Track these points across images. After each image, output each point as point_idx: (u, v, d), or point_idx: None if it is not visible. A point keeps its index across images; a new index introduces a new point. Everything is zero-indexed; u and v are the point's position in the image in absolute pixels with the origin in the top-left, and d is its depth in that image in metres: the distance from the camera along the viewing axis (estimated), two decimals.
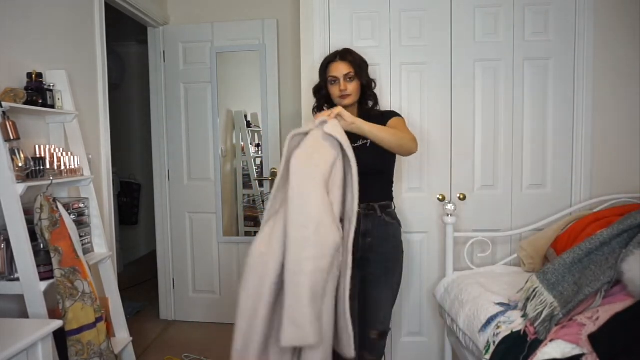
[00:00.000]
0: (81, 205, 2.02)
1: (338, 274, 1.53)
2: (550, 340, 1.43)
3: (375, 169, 1.90)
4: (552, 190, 2.47)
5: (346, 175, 1.61)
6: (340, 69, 1.92)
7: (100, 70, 2.47)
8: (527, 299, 1.66)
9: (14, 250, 1.65)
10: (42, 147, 1.86)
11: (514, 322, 1.66)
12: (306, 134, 1.60)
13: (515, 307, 1.75)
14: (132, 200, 5.10)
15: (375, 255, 1.91)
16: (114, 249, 2.43)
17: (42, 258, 1.73)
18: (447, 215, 2.30)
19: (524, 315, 1.64)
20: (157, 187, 3.41)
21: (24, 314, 1.68)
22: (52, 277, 1.72)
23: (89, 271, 1.84)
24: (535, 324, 1.54)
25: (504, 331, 1.63)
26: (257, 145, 3.67)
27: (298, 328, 1.43)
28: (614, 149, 2.42)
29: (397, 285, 1.99)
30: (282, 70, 3.18)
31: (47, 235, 1.71)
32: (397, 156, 1.98)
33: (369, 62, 2.48)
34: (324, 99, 2.01)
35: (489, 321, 1.74)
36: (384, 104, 2.51)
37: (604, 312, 1.41)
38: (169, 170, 3.37)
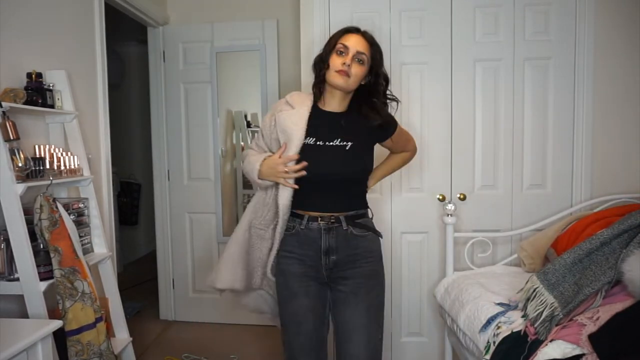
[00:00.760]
0: (81, 205, 2.02)
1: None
2: (551, 341, 1.43)
3: (352, 177, 1.63)
4: (552, 190, 2.47)
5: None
6: (355, 43, 1.57)
7: (100, 70, 2.47)
8: (528, 299, 1.66)
9: (13, 250, 1.64)
10: (41, 147, 1.85)
11: (514, 322, 1.66)
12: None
13: (515, 307, 1.75)
14: (132, 200, 5.10)
15: (342, 272, 1.62)
16: (113, 249, 2.43)
17: (42, 258, 1.72)
18: (447, 215, 2.30)
19: (524, 316, 1.64)
20: (157, 187, 3.41)
21: (24, 314, 1.68)
22: (52, 277, 1.72)
23: (88, 271, 1.84)
24: (536, 324, 1.54)
25: (504, 331, 1.63)
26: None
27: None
28: (614, 149, 2.42)
29: (376, 308, 1.64)
30: (282, 70, 3.18)
31: (46, 235, 1.71)
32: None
33: None
34: (322, 70, 1.62)
35: (489, 321, 1.74)
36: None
37: (604, 312, 1.41)
38: (169, 170, 3.37)
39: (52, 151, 1.90)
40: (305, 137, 1.57)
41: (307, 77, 2.47)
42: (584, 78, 2.40)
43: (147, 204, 4.87)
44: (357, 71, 1.58)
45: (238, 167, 3.57)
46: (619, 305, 1.42)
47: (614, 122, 2.42)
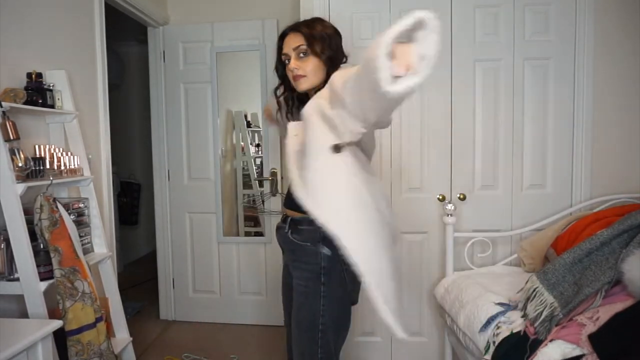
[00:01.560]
0: (81, 205, 2.02)
1: None
2: (550, 341, 1.43)
3: None
4: (552, 190, 2.47)
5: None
6: (290, 43, 1.47)
7: (100, 70, 2.47)
8: (527, 299, 1.66)
9: (13, 250, 1.64)
10: (42, 147, 1.85)
11: (514, 322, 1.66)
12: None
13: (515, 307, 1.75)
14: (132, 200, 5.10)
15: (290, 278, 1.54)
16: (114, 249, 2.43)
17: (42, 258, 1.72)
18: (447, 215, 2.30)
19: (524, 316, 1.64)
20: (157, 187, 3.41)
21: (24, 314, 1.68)
22: (52, 277, 1.72)
23: (88, 271, 1.84)
24: (535, 324, 1.54)
25: (504, 331, 1.63)
26: (257, 145, 3.67)
27: None
28: (614, 149, 2.42)
29: (305, 328, 1.45)
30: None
31: (47, 235, 1.71)
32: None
33: None
34: (282, 81, 1.58)
35: (489, 321, 1.74)
36: None
37: (604, 312, 1.41)
38: (169, 170, 3.37)
39: (52, 151, 1.90)
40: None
41: None
42: (584, 78, 2.40)
43: (147, 204, 4.87)
44: (307, 64, 1.44)
45: (238, 167, 3.57)
46: (619, 305, 1.42)
47: (614, 122, 2.42)
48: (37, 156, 1.81)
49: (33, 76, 1.87)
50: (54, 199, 1.79)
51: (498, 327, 1.68)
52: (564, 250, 1.84)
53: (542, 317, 1.54)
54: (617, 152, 2.42)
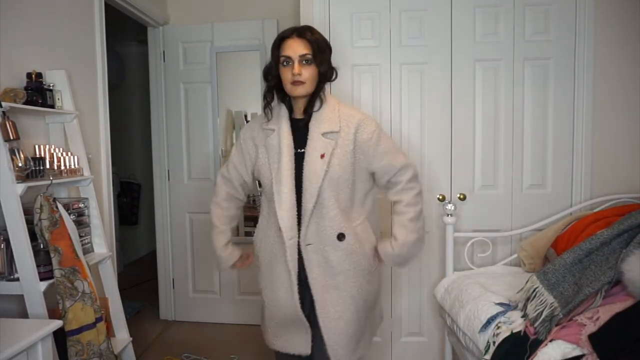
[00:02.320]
0: (81, 205, 2.02)
1: None
2: (551, 341, 1.43)
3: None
4: (552, 190, 2.47)
5: None
6: (296, 48, 1.54)
7: (100, 70, 2.47)
8: (527, 299, 1.66)
9: (13, 250, 1.64)
10: (41, 147, 1.85)
11: (514, 322, 1.66)
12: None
13: (515, 308, 1.75)
14: (132, 200, 5.10)
15: None
16: (114, 249, 2.43)
17: (42, 258, 1.72)
18: (447, 215, 2.30)
19: (524, 316, 1.64)
20: (157, 187, 3.41)
21: (24, 314, 1.68)
22: (52, 277, 1.72)
23: (88, 271, 1.84)
24: (536, 324, 1.54)
25: (504, 331, 1.63)
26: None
27: None
28: (614, 149, 2.42)
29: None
30: None
31: (47, 235, 1.71)
32: None
33: (369, 62, 2.50)
34: (274, 83, 1.62)
35: (489, 321, 1.74)
36: (384, 104, 2.51)
37: (604, 312, 1.41)
38: (169, 170, 3.37)
39: (52, 151, 1.90)
40: (295, 148, 1.60)
41: None
42: (584, 78, 2.39)
43: (147, 204, 4.87)
44: (308, 73, 1.55)
45: None
46: (619, 305, 1.42)
47: (614, 122, 2.42)
48: (37, 156, 1.81)
49: (33, 76, 1.87)
50: (54, 199, 1.79)
51: (498, 327, 1.68)
52: (564, 250, 1.84)
53: (542, 317, 1.54)
54: (617, 152, 2.42)
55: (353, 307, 1.60)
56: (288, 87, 1.57)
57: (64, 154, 1.96)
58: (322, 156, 1.55)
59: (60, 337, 1.66)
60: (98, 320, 1.81)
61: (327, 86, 1.65)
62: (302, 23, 2.51)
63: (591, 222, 2.04)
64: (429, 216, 2.53)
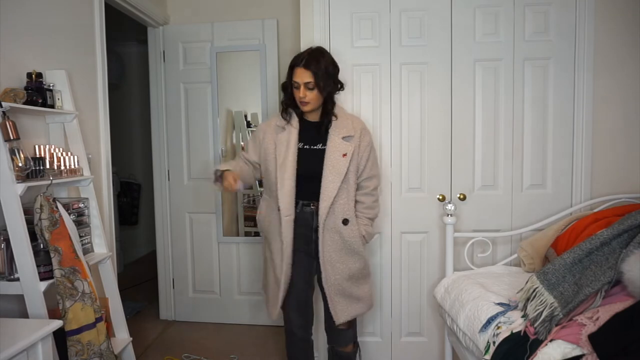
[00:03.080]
0: (81, 205, 2.02)
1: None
2: (551, 341, 1.43)
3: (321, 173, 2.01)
4: (552, 190, 2.47)
5: None
6: (302, 76, 1.94)
7: (100, 70, 2.47)
8: (527, 299, 1.66)
9: (13, 250, 1.64)
10: (42, 147, 1.85)
11: (514, 322, 1.66)
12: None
13: (515, 308, 1.75)
14: (132, 200, 5.10)
15: None
16: (114, 249, 2.43)
17: (42, 258, 1.72)
18: (447, 215, 2.30)
19: (524, 316, 1.64)
20: (157, 187, 3.41)
21: (24, 314, 1.68)
22: (52, 277, 1.72)
23: (88, 271, 1.84)
24: (535, 324, 1.54)
25: (504, 331, 1.63)
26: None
27: None
28: (614, 149, 2.42)
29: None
30: (282, 70, 3.18)
31: (47, 235, 1.71)
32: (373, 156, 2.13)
33: (369, 62, 2.50)
34: (289, 97, 2.03)
35: (489, 321, 1.74)
36: (384, 104, 2.51)
37: (604, 312, 1.41)
38: (169, 170, 3.37)
39: (52, 151, 1.90)
40: (299, 143, 2.03)
41: None
42: (584, 78, 2.40)
43: (147, 204, 4.87)
44: (312, 96, 1.96)
45: None
46: (619, 305, 1.42)
47: (614, 122, 2.42)
48: (37, 156, 1.80)
49: (33, 76, 1.87)
50: (54, 199, 1.79)
51: (498, 327, 1.68)
52: (564, 250, 1.84)
53: (542, 317, 1.54)
54: (617, 152, 2.42)
55: (350, 275, 2.03)
56: (298, 104, 2.00)
57: (64, 154, 1.96)
58: (344, 155, 1.98)
59: (60, 337, 1.66)
60: (98, 320, 1.81)
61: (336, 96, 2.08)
62: (302, 23, 2.52)
63: (591, 222, 2.04)
64: (429, 216, 2.53)
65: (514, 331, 1.60)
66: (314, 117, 2.06)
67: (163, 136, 3.35)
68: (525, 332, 1.57)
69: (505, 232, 2.42)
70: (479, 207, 2.50)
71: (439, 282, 2.33)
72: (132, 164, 5.04)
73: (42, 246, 1.73)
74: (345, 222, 2.00)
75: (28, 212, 1.70)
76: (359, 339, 2.43)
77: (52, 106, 1.95)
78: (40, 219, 1.71)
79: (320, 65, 1.95)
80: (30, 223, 1.70)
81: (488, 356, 1.62)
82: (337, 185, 1.95)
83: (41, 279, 1.68)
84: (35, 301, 1.65)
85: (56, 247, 1.72)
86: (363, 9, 2.49)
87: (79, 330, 1.72)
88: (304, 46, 2.52)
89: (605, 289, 1.52)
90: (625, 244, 1.59)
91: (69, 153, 2.01)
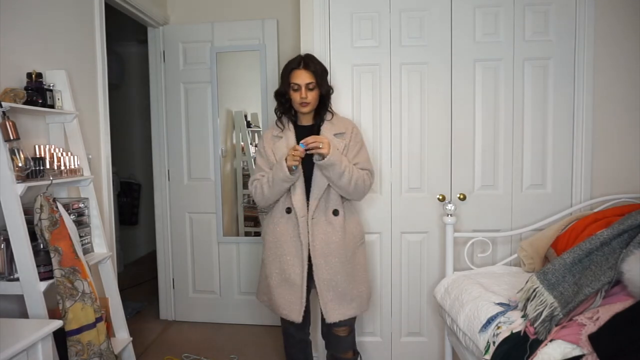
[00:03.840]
0: (81, 205, 2.02)
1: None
2: (550, 341, 1.43)
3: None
4: (552, 190, 2.47)
5: None
6: (303, 77, 2.01)
7: (100, 70, 2.47)
8: (527, 299, 1.66)
9: (13, 250, 1.65)
10: (42, 147, 1.85)
11: (514, 322, 1.66)
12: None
13: (515, 307, 1.75)
14: (132, 200, 5.10)
15: None
16: (114, 249, 2.43)
17: (42, 258, 1.73)
18: (447, 215, 2.30)
19: (524, 316, 1.64)
20: (157, 187, 3.41)
21: (24, 314, 1.68)
22: (52, 277, 1.72)
23: (88, 271, 1.84)
24: (535, 324, 1.54)
25: (504, 331, 1.63)
26: (257, 146, 3.67)
27: None
28: (614, 149, 2.42)
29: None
30: (282, 70, 3.18)
31: (47, 235, 1.71)
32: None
33: (369, 62, 2.51)
34: (287, 103, 2.08)
35: (489, 321, 1.74)
36: (384, 104, 2.51)
37: (604, 312, 1.41)
38: (169, 170, 3.37)
39: (52, 151, 1.90)
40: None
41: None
42: (584, 78, 2.39)
43: (147, 204, 4.87)
44: (313, 96, 2.03)
45: (238, 167, 3.57)
46: (619, 305, 1.42)
47: (614, 122, 2.42)
48: (37, 156, 1.80)
49: (33, 76, 1.87)
50: (54, 199, 1.79)
51: (498, 327, 1.68)
52: (564, 250, 1.84)
53: (542, 317, 1.54)
54: (617, 152, 2.42)
55: (342, 271, 2.00)
56: (297, 106, 2.06)
57: (64, 154, 1.96)
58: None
59: (60, 337, 1.66)
60: (98, 320, 1.81)
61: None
62: (302, 23, 2.52)
63: (591, 222, 2.04)
64: (429, 216, 2.53)
65: (514, 331, 1.60)
66: (307, 121, 2.11)
67: (163, 136, 3.35)
68: (525, 332, 1.57)
69: (505, 232, 2.42)
70: (479, 207, 2.50)
71: (439, 282, 2.33)
72: (132, 164, 5.04)
73: (42, 246, 1.73)
74: (335, 212, 2.01)
75: (28, 212, 1.70)
76: (359, 339, 2.43)
77: (52, 106, 1.95)
78: (40, 219, 1.71)
79: (317, 66, 2.05)
80: (30, 223, 1.70)
81: (488, 356, 1.62)
82: (325, 180, 1.98)
83: (41, 279, 1.68)
84: (35, 301, 1.65)
85: (56, 247, 1.72)
86: (363, 9, 2.49)
87: (79, 330, 1.72)
88: (304, 46, 2.52)
89: (605, 289, 1.52)
90: (625, 244, 1.59)
91: (69, 153, 2.01)
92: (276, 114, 2.16)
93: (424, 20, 2.46)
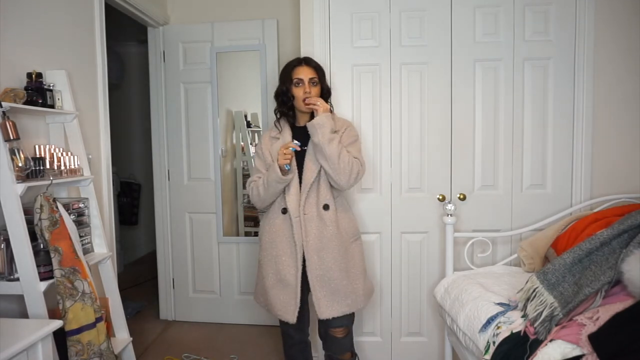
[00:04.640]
0: (81, 205, 2.02)
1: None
2: (550, 341, 1.43)
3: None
4: (552, 190, 2.47)
5: None
6: (306, 73, 2.05)
7: (100, 70, 2.47)
8: (527, 299, 1.66)
9: (13, 250, 1.64)
10: (42, 147, 1.85)
11: (514, 322, 1.66)
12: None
13: (515, 307, 1.75)
14: (132, 200, 5.10)
15: None
16: (114, 249, 2.43)
17: (42, 258, 1.72)
18: (447, 215, 2.30)
19: (524, 316, 1.64)
20: (157, 187, 3.41)
21: (24, 314, 1.68)
22: (52, 277, 1.72)
23: (88, 271, 1.84)
24: (535, 324, 1.54)
25: (504, 331, 1.63)
26: (256, 147, 3.67)
27: None
28: (614, 149, 2.42)
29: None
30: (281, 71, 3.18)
31: (47, 235, 1.71)
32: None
33: (369, 62, 2.51)
34: (289, 101, 2.08)
35: (489, 321, 1.74)
36: (384, 104, 2.52)
37: (604, 312, 1.41)
38: (169, 170, 3.37)
39: (52, 151, 1.90)
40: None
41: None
42: (584, 78, 2.40)
43: (147, 204, 4.87)
44: (316, 91, 2.06)
45: (238, 167, 3.57)
46: (619, 305, 1.42)
47: (614, 122, 2.42)
48: (37, 156, 1.80)
49: (33, 76, 1.87)
50: (54, 199, 1.79)
51: (498, 327, 1.68)
52: (564, 250, 1.84)
53: (542, 317, 1.54)
54: (617, 152, 2.42)
55: (335, 267, 2.00)
56: (300, 103, 2.05)
57: (64, 154, 1.96)
58: None
59: (60, 337, 1.66)
60: (98, 320, 1.81)
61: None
62: (302, 23, 2.52)
63: (591, 222, 2.04)
64: (429, 216, 2.53)
65: (514, 331, 1.60)
66: (305, 121, 2.10)
67: (163, 136, 3.35)
68: (525, 332, 1.57)
69: (505, 232, 2.42)
70: (479, 207, 2.50)
71: (439, 282, 2.33)
72: (132, 164, 5.04)
73: (42, 246, 1.73)
74: (325, 207, 2.01)
75: (28, 212, 1.70)
76: (358, 339, 2.43)
77: (52, 106, 1.95)
78: (40, 219, 1.71)
79: (318, 64, 2.12)
80: (30, 223, 1.70)
81: (488, 356, 1.62)
82: (316, 170, 1.99)
83: (41, 279, 1.68)
84: (35, 301, 1.65)
85: (56, 247, 1.72)
86: (363, 9, 2.49)
87: (79, 330, 1.72)
88: (304, 46, 2.52)
89: (605, 289, 1.52)
90: (625, 244, 1.59)
91: (69, 153, 2.01)
92: (276, 114, 2.17)
93: (424, 20, 2.46)
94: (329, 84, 2.20)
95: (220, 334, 3.20)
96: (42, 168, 1.78)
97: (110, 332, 2.03)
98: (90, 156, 2.20)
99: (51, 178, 1.80)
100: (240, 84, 3.47)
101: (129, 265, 4.81)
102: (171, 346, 3.00)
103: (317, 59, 2.26)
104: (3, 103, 1.63)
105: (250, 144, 3.67)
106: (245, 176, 3.58)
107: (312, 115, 2.09)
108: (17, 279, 1.67)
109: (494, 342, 1.64)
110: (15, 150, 1.66)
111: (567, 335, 1.41)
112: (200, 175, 3.32)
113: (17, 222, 1.63)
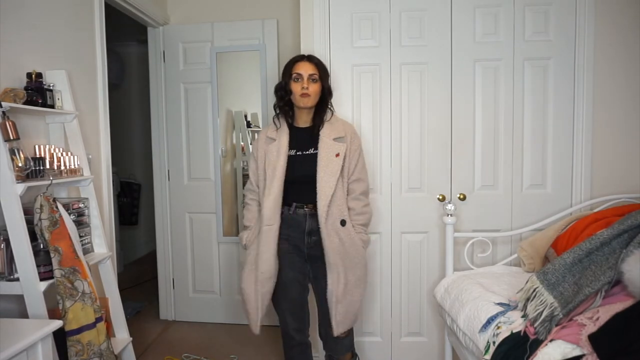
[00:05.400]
0: (81, 205, 2.02)
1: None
2: (551, 341, 1.43)
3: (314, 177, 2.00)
4: (552, 190, 2.47)
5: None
6: (306, 68, 2.01)
7: (100, 70, 2.47)
8: (527, 299, 1.66)
9: (13, 250, 1.64)
10: (42, 147, 1.85)
11: (514, 322, 1.66)
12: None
13: (515, 307, 1.75)
14: (132, 200, 5.10)
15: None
16: (114, 249, 2.43)
17: (42, 258, 1.72)
18: (447, 215, 2.30)
19: (524, 316, 1.64)
20: (157, 187, 3.41)
21: (24, 314, 1.68)
22: (52, 277, 1.72)
23: (88, 271, 1.84)
24: (535, 324, 1.54)
25: (504, 331, 1.63)
26: (252, 145, 3.67)
27: None
28: (614, 149, 2.42)
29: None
30: (282, 70, 3.17)
31: (47, 235, 1.71)
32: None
33: (369, 62, 2.51)
34: (286, 96, 2.05)
35: (489, 321, 1.74)
36: (384, 104, 2.51)
37: (604, 312, 1.41)
38: (169, 170, 3.37)
39: (52, 151, 1.90)
40: (289, 150, 2.03)
41: None
42: (584, 78, 2.40)
43: (147, 204, 4.87)
44: (314, 88, 2.01)
45: (238, 167, 3.57)
46: (619, 305, 1.42)
47: (614, 122, 2.42)
48: (37, 156, 1.80)
49: (33, 76, 1.87)
50: (54, 199, 1.79)
51: (498, 327, 1.68)
52: (564, 250, 1.84)
53: (542, 317, 1.54)
54: (617, 152, 2.42)
55: (350, 283, 2.01)
56: (297, 99, 2.01)
57: (64, 154, 1.96)
58: (337, 155, 2.00)
59: (60, 337, 1.66)
60: (98, 320, 1.81)
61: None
62: (302, 23, 2.52)
63: (591, 222, 2.04)
64: (429, 216, 2.53)
65: (514, 331, 1.60)
66: (304, 123, 2.08)
67: (163, 136, 3.35)
68: (525, 332, 1.57)
69: (505, 232, 2.42)
70: (479, 207, 2.50)
71: (439, 282, 2.33)
72: (132, 164, 5.04)
73: (42, 246, 1.73)
74: (343, 223, 1.99)
75: (28, 212, 1.70)
76: (359, 339, 2.44)
77: (52, 106, 1.95)
78: (40, 219, 1.71)
79: (320, 61, 2.07)
80: (30, 223, 1.70)
81: (488, 356, 1.62)
82: (333, 184, 1.96)
83: (41, 279, 1.68)
84: (35, 301, 1.65)
85: (56, 247, 1.72)
86: (363, 9, 2.49)
87: (79, 330, 1.72)
88: (304, 46, 2.52)
89: (605, 289, 1.52)
90: (625, 244, 1.59)
91: (69, 153, 2.01)
92: (275, 110, 2.14)
93: (424, 20, 2.46)
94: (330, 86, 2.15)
95: (220, 334, 3.20)
96: (42, 168, 1.78)
97: (110, 332, 2.03)
98: (90, 156, 2.20)
99: (51, 178, 1.80)
100: (240, 84, 3.47)
101: (129, 265, 4.80)
102: (171, 346, 3.00)
103: None
104: (3, 103, 1.63)
105: (250, 144, 3.67)
106: (245, 176, 3.57)
107: (311, 115, 2.07)
108: (17, 279, 1.66)
109: (494, 342, 1.64)
110: (15, 150, 1.66)
111: (567, 336, 1.41)
112: (200, 175, 3.32)
113: (17, 222, 1.63)
